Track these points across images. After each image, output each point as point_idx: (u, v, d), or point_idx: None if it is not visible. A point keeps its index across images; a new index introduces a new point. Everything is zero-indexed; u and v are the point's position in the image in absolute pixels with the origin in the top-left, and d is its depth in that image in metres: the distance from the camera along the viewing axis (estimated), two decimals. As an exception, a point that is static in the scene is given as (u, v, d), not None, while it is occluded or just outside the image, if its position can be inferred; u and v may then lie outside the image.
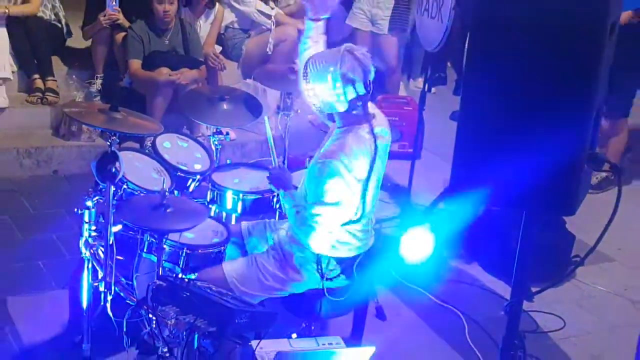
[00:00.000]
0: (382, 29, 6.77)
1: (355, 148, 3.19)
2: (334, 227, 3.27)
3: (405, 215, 4.95)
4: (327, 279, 3.35)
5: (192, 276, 3.42)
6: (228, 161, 4.22)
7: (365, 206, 3.24)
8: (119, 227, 3.52)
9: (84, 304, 3.66)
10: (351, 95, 3.18)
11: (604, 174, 5.63)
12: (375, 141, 3.19)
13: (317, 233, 3.25)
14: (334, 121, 3.38)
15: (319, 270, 3.34)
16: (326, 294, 3.38)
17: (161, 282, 2.96)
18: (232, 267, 3.44)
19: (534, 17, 2.21)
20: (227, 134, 4.25)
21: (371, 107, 3.35)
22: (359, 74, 3.17)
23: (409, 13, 6.62)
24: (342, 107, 3.22)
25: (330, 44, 3.52)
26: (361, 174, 3.20)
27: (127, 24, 6.07)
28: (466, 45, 6.98)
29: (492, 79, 2.29)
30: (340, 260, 3.36)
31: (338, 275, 3.38)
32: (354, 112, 3.24)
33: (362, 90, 3.19)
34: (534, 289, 2.75)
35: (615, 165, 2.38)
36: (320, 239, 3.27)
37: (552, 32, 2.19)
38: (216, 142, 4.17)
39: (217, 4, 6.49)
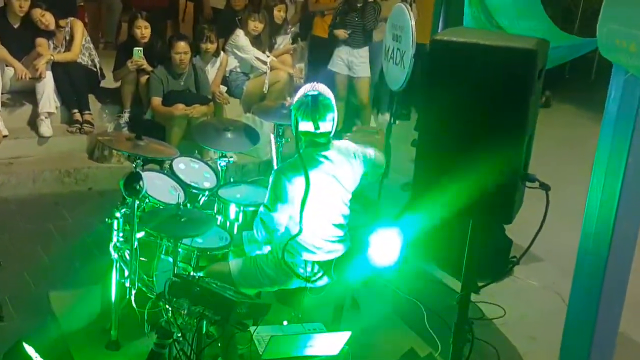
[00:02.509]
0: (356, 73, 6.82)
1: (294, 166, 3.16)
2: (273, 228, 3.23)
3: (376, 223, 4.93)
4: (310, 279, 3.31)
5: (202, 274, 3.40)
6: (231, 180, 4.20)
7: (301, 221, 3.10)
8: (142, 234, 3.50)
9: (113, 297, 3.63)
10: (296, 128, 3.17)
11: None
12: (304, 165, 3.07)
13: (260, 228, 3.24)
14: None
15: (304, 274, 3.30)
16: (309, 292, 3.36)
17: (176, 279, 2.94)
18: (236, 264, 3.41)
19: (479, 64, 2.22)
20: (231, 157, 4.23)
21: (333, 143, 3.29)
22: (306, 117, 3.15)
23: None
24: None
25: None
26: (300, 189, 3.10)
27: (149, 68, 6.08)
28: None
29: (445, 112, 2.29)
30: (321, 264, 3.33)
31: (321, 277, 3.35)
32: (302, 139, 3.20)
33: (308, 128, 3.16)
34: (480, 284, 2.73)
35: (544, 183, 2.38)
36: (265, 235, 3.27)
37: (493, 76, 2.21)
38: (222, 164, 4.15)
39: (222, 52, 6.53)
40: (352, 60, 6.80)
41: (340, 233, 3.37)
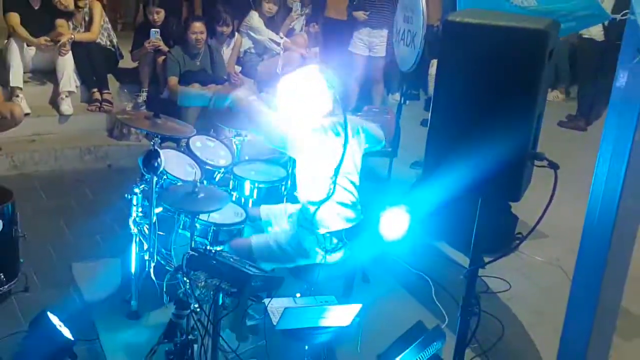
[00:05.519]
0: (377, 53, 6.79)
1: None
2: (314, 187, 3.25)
3: (385, 200, 4.93)
4: (328, 252, 3.33)
5: (218, 248, 3.41)
6: (246, 157, 4.20)
7: (335, 185, 3.20)
8: (160, 209, 3.52)
9: (133, 270, 3.66)
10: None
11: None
12: (345, 130, 3.19)
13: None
14: None
15: (324, 248, 3.31)
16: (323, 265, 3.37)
17: (193, 253, 2.95)
18: (257, 240, 3.43)
19: (490, 45, 2.19)
20: (246, 136, 4.23)
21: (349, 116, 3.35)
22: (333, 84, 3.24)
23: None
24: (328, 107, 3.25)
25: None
26: (336, 154, 3.19)
27: (166, 49, 6.07)
28: (429, 68, 6.89)
29: (456, 92, 2.26)
30: (337, 235, 3.34)
31: (338, 249, 3.36)
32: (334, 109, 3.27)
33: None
34: (486, 259, 2.72)
35: (552, 162, 2.36)
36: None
37: (504, 57, 2.18)
38: (237, 143, 4.15)
39: (236, 33, 6.50)
40: (372, 41, 6.75)
41: (354, 198, 3.40)
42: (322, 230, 3.30)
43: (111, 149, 5.87)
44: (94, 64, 6.10)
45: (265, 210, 3.65)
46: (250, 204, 3.86)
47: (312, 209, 3.26)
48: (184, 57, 5.95)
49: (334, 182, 3.17)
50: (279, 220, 3.60)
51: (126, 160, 5.76)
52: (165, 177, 3.66)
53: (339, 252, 3.36)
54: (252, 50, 6.73)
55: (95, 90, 6.08)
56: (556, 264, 4.74)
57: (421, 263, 4.49)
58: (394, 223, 3.69)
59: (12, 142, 5.56)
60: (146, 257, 3.60)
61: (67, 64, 5.87)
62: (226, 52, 6.40)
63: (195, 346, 3.13)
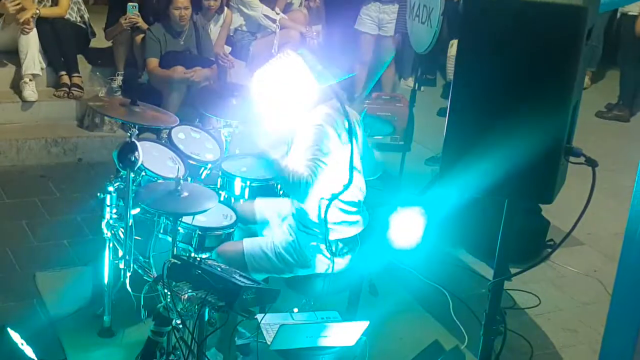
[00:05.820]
0: (387, 32, 6.84)
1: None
2: (324, 182, 3.21)
3: (396, 201, 4.93)
4: (335, 255, 3.33)
5: (204, 255, 3.41)
6: (237, 151, 4.20)
7: (352, 174, 3.17)
8: (137, 210, 3.52)
9: (105, 280, 3.66)
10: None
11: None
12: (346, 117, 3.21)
13: (311, 187, 3.15)
14: None
15: (330, 251, 3.31)
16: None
17: (176, 261, 2.95)
18: (251, 245, 3.42)
19: (519, 23, 2.19)
20: (236, 126, 4.23)
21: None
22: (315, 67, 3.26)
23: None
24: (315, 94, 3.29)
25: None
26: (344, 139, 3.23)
27: (145, 26, 6.07)
28: (448, 50, 6.89)
29: (478, 77, 2.26)
30: (344, 241, 3.34)
31: (344, 254, 3.36)
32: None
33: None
34: (513, 270, 2.72)
35: (590, 158, 2.35)
36: (313, 194, 3.21)
37: (534, 37, 2.17)
38: (226, 134, 4.15)
39: (226, 8, 6.50)
40: (383, 18, 6.81)
41: (360, 195, 3.41)
42: (332, 236, 3.30)
43: (81, 141, 5.87)
44: (63, 43, 6.09)
45: (260, 205, 3.64)
46: (241, 202, 3.84)
47: (315, 210, 3.26)
48: (165, 36, 5.94)
49: (351, 170, 3.18)
50: (276, 220, 3.58)
51: (99, 153, 5.76)
52: (143, 173, 3.67)
53: (346, 258, 3.35)
54: (244, 28, 6.74)
55: (63, 73, 6.08)
56: (593, 275, 4.74)
57: (437, 274, 4.50)
58: (406, 227, 3.69)
59: (-33, 133, 5.59)
60: (121, 266, 3.60)
61: (31, 43, 5.86)
62: (214, 29, 6.40)
63: (177, 368, 3.13)
